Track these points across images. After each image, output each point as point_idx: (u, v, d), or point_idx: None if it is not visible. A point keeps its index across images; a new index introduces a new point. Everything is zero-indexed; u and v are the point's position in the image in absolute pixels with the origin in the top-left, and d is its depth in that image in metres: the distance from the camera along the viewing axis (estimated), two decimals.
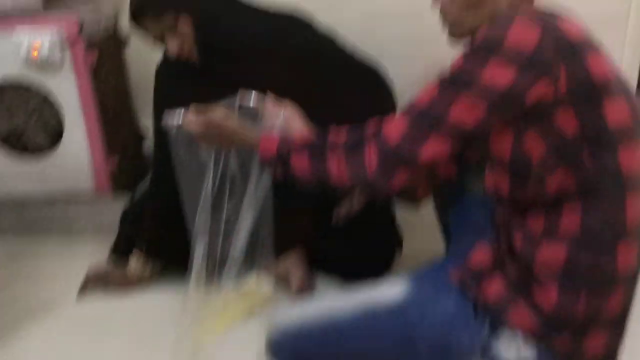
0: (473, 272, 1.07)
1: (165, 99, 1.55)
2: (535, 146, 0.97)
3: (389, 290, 1.11)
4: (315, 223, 1.56)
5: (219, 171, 1.33)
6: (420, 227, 1.63)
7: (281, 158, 1.12)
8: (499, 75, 0.93)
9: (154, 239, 1.59)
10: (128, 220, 1.70)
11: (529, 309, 0.99)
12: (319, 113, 1.30)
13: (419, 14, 1.94)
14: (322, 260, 1.61)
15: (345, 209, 1.40)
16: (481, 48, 0.96)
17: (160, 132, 1.49)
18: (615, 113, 0.94)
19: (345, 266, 1.59)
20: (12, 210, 1.91)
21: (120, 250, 1.66)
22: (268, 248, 1.47)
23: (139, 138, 2.12)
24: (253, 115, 1.28)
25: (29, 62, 1.71)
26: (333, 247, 1.60)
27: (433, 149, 0.98)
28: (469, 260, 1.09)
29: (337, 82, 1.52)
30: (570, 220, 0.98)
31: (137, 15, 1.48)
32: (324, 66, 1.52)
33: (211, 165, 1.32)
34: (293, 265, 1.55)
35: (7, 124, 1.83)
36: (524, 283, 1.01)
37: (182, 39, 1.46)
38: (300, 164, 1.10)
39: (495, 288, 1.03)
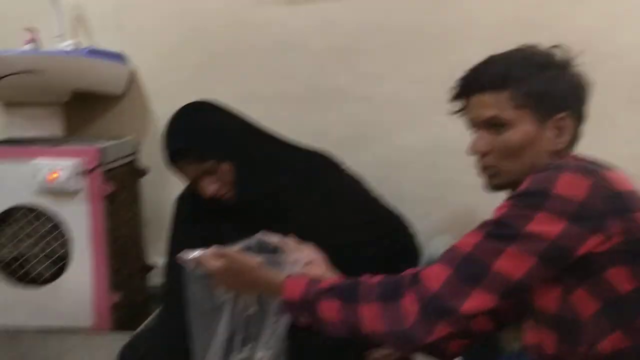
0: None
1: (182, 231, 1.50)
2: (585, 304, 0.92)
3: None
4: None
5: (234, 314, 1.25)
6: None
7: (307, 304, 1.05)
8: (546, 229, 0.90)
9: None
10: (127, 359, 1.57)
11: None
12: (340, 258, 1.24)
13: (435, 162, 2.00)
14: None
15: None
16: (527, 199, 0.93)
17: (173, 267, 1.43)
18: None
19: None
20: (4, 343, 1.79)
21: None
22: None
23: (145, 271, 2.06)
24: (274, 257, 1.22)
25: (45, 189, 1.70)
26: None
27: (476, 302, 0.93)
28: None
29: (361, 226, 1.48)
30: None
31: (177, 158, 1.44)
32: (349, 208, 1.49)
33: (228, 308, 1.24)
34: None
35: (12, 250, 1.79)
36: None
37: (221, 183, 1.44)
38: (329, 311, 1.03)
39: None
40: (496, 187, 1.09)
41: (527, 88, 1.02)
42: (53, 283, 1.78)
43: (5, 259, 1.80)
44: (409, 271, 1.02)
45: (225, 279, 1.16)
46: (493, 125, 1.05)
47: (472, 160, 1.14)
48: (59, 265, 1.78)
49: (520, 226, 0.91)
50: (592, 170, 0.93)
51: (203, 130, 1.43)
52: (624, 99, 1.85)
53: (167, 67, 2.17)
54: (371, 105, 2.00)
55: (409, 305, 0.96)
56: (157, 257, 2.10)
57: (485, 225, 0.96)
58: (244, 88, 2.09)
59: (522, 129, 1.03)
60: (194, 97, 1.55)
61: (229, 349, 1.24)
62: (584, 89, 1.06)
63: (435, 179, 2.01)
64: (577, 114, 1.05)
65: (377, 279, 1.04)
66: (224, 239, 1.24)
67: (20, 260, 1.80)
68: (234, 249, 1.18)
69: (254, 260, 1.15)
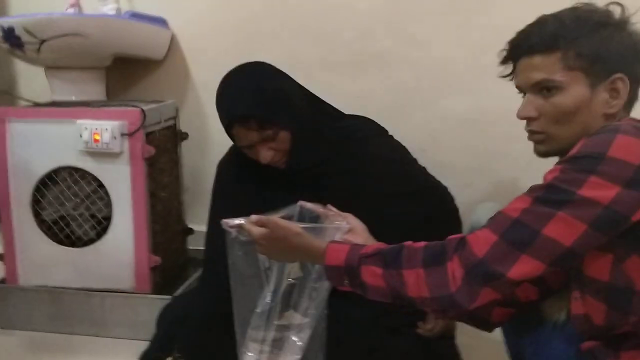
0: None
1: (224, 196, 1.52)
2: (638, 273, 0.88)
3: None
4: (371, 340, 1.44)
5: (276, 281, 1.25)
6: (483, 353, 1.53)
7: (351, 269, 1.04)
8: (600, 194, 0.87)
9: (195, 343, 1.48)
10: (167, 320, 1.60)
11: None
12: (382, 228, 1.24)
13: (480, 130, 1.96)
14: None
15: (431, 326, 1.31)
16: (580, 163, 0.90)
17: (215, 231, 1.43)
18: None
19: None
20: (46, 302, 1.85)
21: (156, 352, 1.55)
22: None
23: (185, 234, 2.08)
24: (315, 225, 1.22)
25: (88, 150, 1.73)
26: None
27: (524, 268, 0.90)
28: None
29: (404, 197, 1.47)
30: None
31: (239, 124, 1.40)
32: (393, 178, 1.47)
33: (270, 274, 1.24)
34: None
35: (57, 210, 1.82)
36: None
37: (277, 150, 1.42)
38: (373, 276, 1.02)
39: None
40: (545, 153, 1.06)
41: (579, 48, 0.99)
42: (95, 244, 1.81)
43: (49, 219, 1.83)
44: (455, 236, 1.00)
45: (268, 246, 1.17)
46: (542, 88, 1.02)
47: (518, 128, 1.11)
48: (102, 225, 1.81)
49: (571, 191, 0.88)
50: None
51: (267, 97, 1.39)
52: None
53: (206, 32, 2.17)
54: (415, 71, 1.97)
55: (455, 270, 0.95)
56: (196, 222, 2.13)
57: (534, 189, 0.94)
58: (285, 52, 2.07)
59: (574, 92, 1.00)
60: (235, 63, 1.53)
61: (269, 315, 1.25)
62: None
63: (479, 148, 1.97)
64: (634, 76, 1.00)
65: (421, 243, 1.03)
66: (265, 206, 1.24)
67: (65, 222, 1.83)
68: (276, 217, 1.18)
69: (297, 227, 1.15)
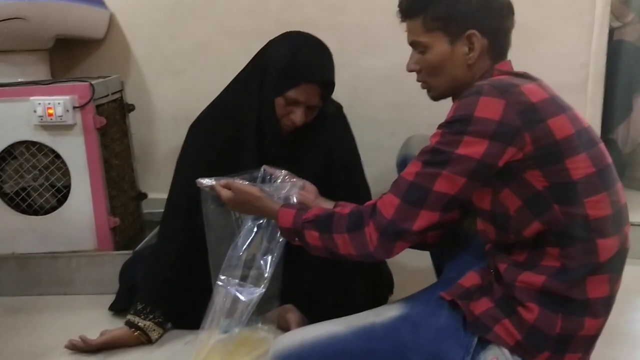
0: (464, 289, 1.17)
1: (193, 156, 1.65)
2: (511, 201, 1.11)
3: (384, 311, 1.21)
4: (310, 273, 1.64)
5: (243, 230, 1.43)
6: (412, 277, 1.74)
7: (296, 231, 1.25)
8: (472, 151, 1.06)
9: (161, 294, 1.62)
10: (128, 274, 1.76)
11: (513, 325, 1.10)
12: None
13: (398, 85, 2.16)
14: (315, 308, 1.67)
15: None
16: (454, 126, 1.09)
17: (180, 187, 1.63)
18: (578, 167, 1.06)
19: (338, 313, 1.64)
20: (14, 269, 1.95)
21: (122, 302, 1.71)
22: (275, 299, 1.55)
23: (140, 199, 2.23)
24: (274, 184, 1.42)
25: (43, 124, 1.84)
26: (326, 297, 1.65)
27: (424, 220, 1.11)
28: (460, 282, 1.19)
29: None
30: (551, 260, 1.09)
31: (313, 83, 1.52)
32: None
33: (242, 225, 1.43)
34: (289, 310, 1.63)
35: (17, 182, 1.92)
36: (509, 302, 1.12)
37: (306, 118, 1.57)
38: (313, 238, 1.22)
39: (483, 305, 1.13)
40: (434, 98, 1.27)
41: (434, 13, 1.17)
42: (57, 211, 1.92)
43: (11, 191, 1.92)
44: (369, 203, 1.19)
45: (234, 206, 1.37)
46: (417, 47, 1.22)
47: None
48: (62, 193, 1.92)
49: (450, 151, 1.07)
50: (506, 89, 1.07)
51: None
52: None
53: (143, 8, 2.29)
54: (338, 35, 2.13)
55: (371, 233, 1.14)
56: (147, 189, 2.28)
57: (423, 153, 1.12)
58: (219, 25, 2.23)
59: (437, 49, 1.19)
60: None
61: (240, 256, 1.43)
62: (491, 6, 1.18)
63: (399, 101, 2.19)
64: (488, 29, 1.17)
65: (347, 210, 1.22)
66: (228, 167, 1.44)
67: (24, 193, 1.93)
68: (240, 180, 1.38)
69: (256, 190, 1.35)
